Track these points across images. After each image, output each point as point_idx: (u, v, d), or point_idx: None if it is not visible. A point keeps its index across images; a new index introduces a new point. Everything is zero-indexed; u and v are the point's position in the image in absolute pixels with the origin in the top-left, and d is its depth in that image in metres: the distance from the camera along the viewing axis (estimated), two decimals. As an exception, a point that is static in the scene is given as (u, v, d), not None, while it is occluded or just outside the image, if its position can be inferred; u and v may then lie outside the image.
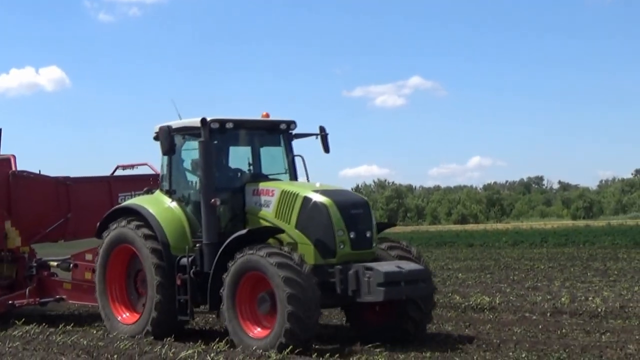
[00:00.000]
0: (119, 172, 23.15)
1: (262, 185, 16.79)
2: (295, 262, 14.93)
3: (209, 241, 16.38)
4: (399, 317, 16.25)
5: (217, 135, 16.82)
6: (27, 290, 20.51)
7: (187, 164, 17.75)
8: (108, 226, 18.03)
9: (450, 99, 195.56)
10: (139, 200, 18.07)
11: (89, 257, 20.34)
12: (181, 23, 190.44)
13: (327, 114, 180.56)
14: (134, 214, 17.60)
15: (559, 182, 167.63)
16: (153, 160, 22.34)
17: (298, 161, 17.98)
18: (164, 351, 15.19)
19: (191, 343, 15.71)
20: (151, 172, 22.51)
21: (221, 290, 15.71)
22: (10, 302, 20.38)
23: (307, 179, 17.68)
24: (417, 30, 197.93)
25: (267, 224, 16.38)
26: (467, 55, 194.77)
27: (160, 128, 16.76)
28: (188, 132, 17.13)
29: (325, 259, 15.64)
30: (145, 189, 18.75)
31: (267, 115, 17.78)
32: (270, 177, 17.57)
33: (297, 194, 16.03)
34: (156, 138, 17.92)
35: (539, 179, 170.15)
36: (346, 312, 17.20)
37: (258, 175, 17.50)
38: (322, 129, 17.98)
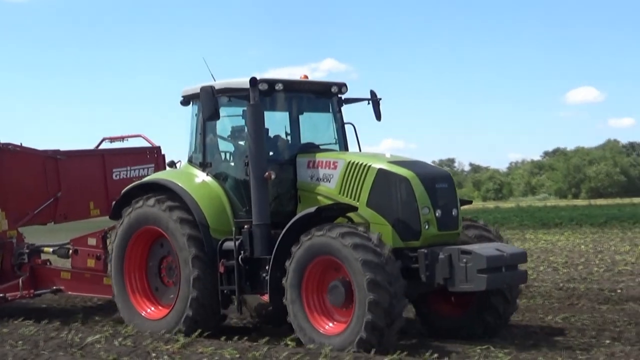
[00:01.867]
0: (105, 146, 19.88)
1: (320, 157, 14.02)
2: (374, 243, 12.31)
3: (261, 222, 13.60)
4: (480, 308, 13.73)
5: (263, 98, 13.95)
6: (21, 281, 17.32)
7: (224, 132, 14.82)
8: (130, 204, 14.99)
9: (362, 82, 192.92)
10: (167, 175, 15.15)
11: (92, 241, 17.34)
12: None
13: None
14: (164, 190, 14.65)
15: (470, 164, 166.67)
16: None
17: (348, 130, 15.27)
18: (70, 336, 14.02)
19: (98, 327, 15.14)
20: (146, 144, 19.50)
21: (284, 280, 12.95)
22: (1, 295, 17.18)
23: (360, 150, 14.92)
24: (332, 12, 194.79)
25: (327, 201, 13.63)
26: (380, 38, 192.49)
27: (202, 89, 13.82)
28: (233, 93, 14.22)
29: (407, 241, 13.02)
30: (169, 162, 15.74)
31: (307, 78, 14.98)
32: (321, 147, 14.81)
33: (369, 166, 13.31)
34: (185, 102, 15.07)
35: (450, 161, 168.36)
36: (415, 304, 14.49)
37: (309, 146, 14.69)
38: (373, 93, 15.22)
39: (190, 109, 15.16)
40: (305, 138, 14.89)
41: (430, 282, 12.74)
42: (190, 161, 15.08)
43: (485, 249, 12.60)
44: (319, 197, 13.80)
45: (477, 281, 12.29)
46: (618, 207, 68.16)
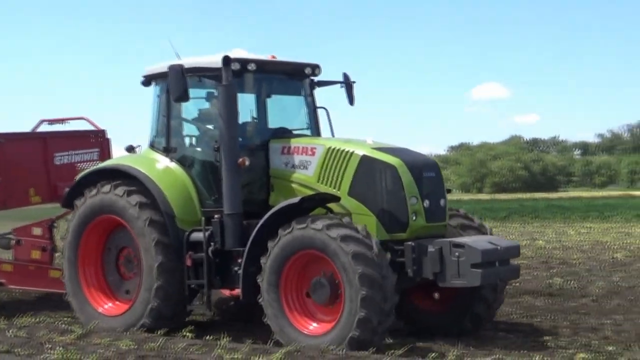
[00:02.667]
0: (44, 129, 18.35)
1: (297, 142, 12.95)
2: (363, 234, 11.33)
3: (233, 211, 12.51)
4: (464, 306, 12.84)
5: (233, 79, 12.82)
6: None
7: (190, 115, 13.65)
8: (83, 192, 13.71)
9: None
10: (127, 160, 13.89)
11: (37, 231, 16.09)
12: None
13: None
14: (122, 176, 13.42)
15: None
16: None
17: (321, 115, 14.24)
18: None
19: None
20: (90, 127, 18.12)
21: (259, 279, 11.89)
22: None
23: (333, 136, 13.89)
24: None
25: (305, 190, 12.57)
26: (295, 30, 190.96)
27: (171, 67, 12.62)
28: (203, 73, 13.04)
29: (392, 233, 12.04)
30: (127, 147, 14.49)
31: (275, 58, 13.89)
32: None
33: (352, 153, 12.29)
34: (146, 82, 13.88)
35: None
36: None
37: (282, 130, 13.61)
38: (346, 76, 14.20)
39: (152, 90, 13.95)
40: (275, 122, 13.80)
41: (418, 277, 11.80)
42: (152, 146, 13.89)
43: (479, 242, 11.71)
44: (295, 186, 12.76)
45: (471, 276, 11.38)
46: (519, 202, 68.62)
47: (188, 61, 13.01)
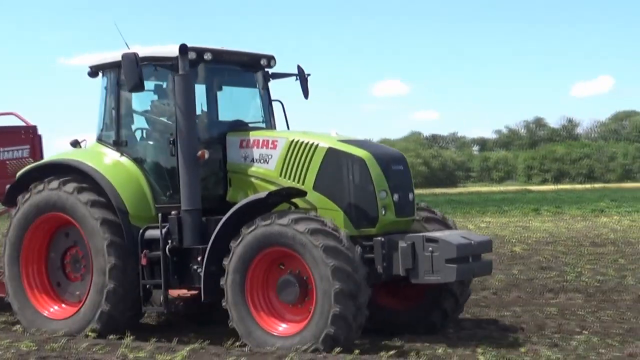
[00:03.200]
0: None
1: (256, 135, 12.36)
2: (331, 227, 10.85)
3: (192, 207, 11.91)
4: (432, 302, 12.41)
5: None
6: None
7: (142, 106, 12.96)
8: (29, 189, 12.92)
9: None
10: (74, 155, 13.10)
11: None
12: None
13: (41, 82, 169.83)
14: (70, 172, 12.65)
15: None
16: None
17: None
18: None
19: None
20: (20, 123, 17.18)
21: (222, 281, 11.32)
22: None
23: (288, 129, 13.35)
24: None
25: (266, 184, 12.02)
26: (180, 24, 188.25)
27: (125, 56, 11.90)
28: (158, 62, 12.33)
29: (361, 228, 11.51)
30: (71, 141, 13.69)
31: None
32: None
33: (317, 145, 11.76)
34: (93, 73, 13.16)
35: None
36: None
37: (238, 123, 13.01)
38: (300, 69, 13.67)
39: (100, 81, 13.21)
40: (227, 115, 13.17)
41: (388, 274, 11.28)
42: (100, 140, 13.15)
43: (452, 236, 11.28)
44: (255, 180, 12.17)
45: (446, 272, 10.93)
46: (419, 197, 68.19)
47: (142, 50, 12.30)
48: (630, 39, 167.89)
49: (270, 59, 13.21)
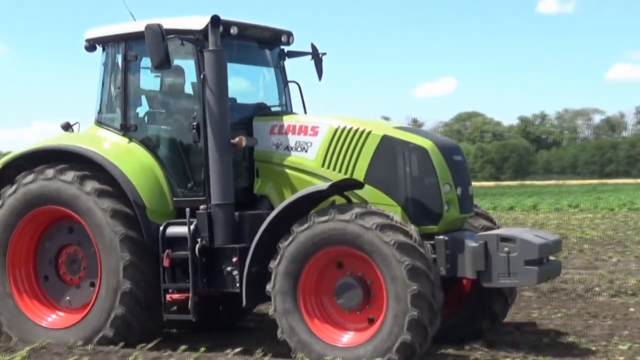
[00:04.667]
0: None
1: (291, 120, 10.76)
2: (400, 223, 9.43)
3: (225, 201, 10.23)
4: (481, 305, 11.05)
5: None
6: None
7: (151, 85, 11.18)
8: (15, 180, 11.03)
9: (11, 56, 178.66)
10: (72, 140, 11.21)
11: None
12: None
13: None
14: (66, 159, 10.82)
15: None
16: None
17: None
18: None
19: None
20: None
21: (269, 287, 9.75)
22: None
23: (305, 113, 11.79)
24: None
25: (305, 176, 10.47)
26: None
27: (149, 28, 10.14)
28: (182, 35, 10.54)
29: (422, 225, 9.97)
30: (62, 124, 11.79)
31: None
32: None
33: (369, 132, 10.26)
34: (90, 47, 11.34)
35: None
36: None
37: (262, 107, 11.38)
38: (315, 48, 12.11)
39: (101, 57, 11.37)
40: (249, 98, 11.58)
41: (452, 276, 9.86)
42: (99, 122, 11.34)
43: (527, 235, 9.92)
44: (290, 171, 10.57)
45: (526, 275, 9.55)
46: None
47: (165, 21, 10.51)
48: (472, 41, 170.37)
49: (289, 35, 11.63)
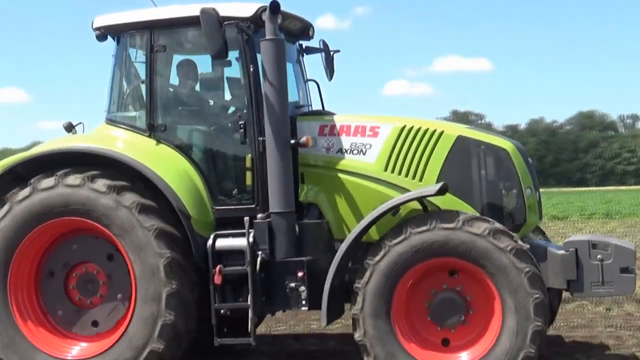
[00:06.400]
0: None
1: (344, 120, 9.50)
2: (503, 227, 8.49)
3: (286, 209, 8.91)
4: None
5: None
6: None
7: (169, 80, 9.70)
8: (29, 183, 9.23)
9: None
10: (95, 142, 9.49)
11: None
12: None
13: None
14: (96, 163, 9.18)
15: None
16: None
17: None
18: None
19: None
20: None
21: (356, 309, 8.57)
22: None
23: None
24: None
25: (364, 182, 9.31)
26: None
27: (205, 12, 8.73)
28: (237, 22, 9.10)
29: None
30: (65, 125, 10.03)
31: None
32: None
33: (441, 133, 9.23)
34: (102, 36, 9.74)
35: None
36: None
37: (298, 106, 10.17)
38: (326, 45, 10.95)
39: (115, 47, 9.79)
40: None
41: None
42: (112, 121, 9.72)
43: (617, 241, 9.17)
44: (345, 176, 9.33)
45: (622, 283, 8.76)
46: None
47: (218, 6, 9.07)
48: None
49: (313, 29, 10.46)
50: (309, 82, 10.69)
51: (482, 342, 8.47)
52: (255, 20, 9.08)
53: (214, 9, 8.75)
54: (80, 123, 9.98)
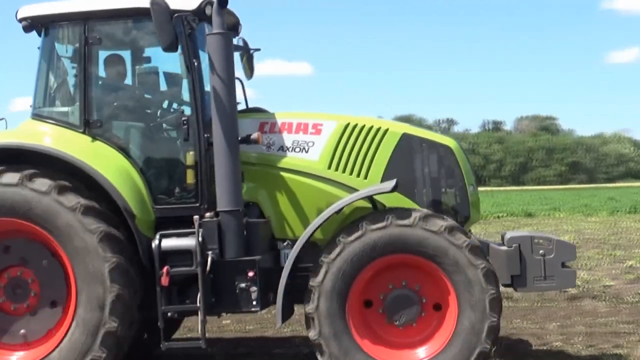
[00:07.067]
0: None
1: (285, 118, 9.28)
2: (458, 224, 8.55)
3: (234, 207, 8.61)
4: None
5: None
6: None
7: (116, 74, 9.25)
8: None
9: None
10: (15, 137, 8.90)
11: None
12: None
13: None
14: (33, 160, 8.61)
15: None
16: None
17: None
18: None
19: None
20: None
21: (311, 307, 8.42)
22: None
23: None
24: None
25: (306, 180, 9.13)
26: None
27: (156, 3, 8.32)
28: (185, 15, 8.73)
29: None
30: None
31: None
32: None
33: (386, 130, 9.16)
34: (29, 27, 9.20)
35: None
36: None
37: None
38: (246, 43, 10.67)
39: (42, 40, 9.24)
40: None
41: None
42: (40, 117, 9.15)
43: (556, 236, 9.31)
44: (287, 174, 9.11)
45: (564, 277, 8.89)
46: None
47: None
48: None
49: (240, 25, 10.21)
50: None
51: (438, 338, 8.44)
52: (199, 14, 8.75)
53: (164, 1, 8.35)
54: (2, 119, 9.31)
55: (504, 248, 8.88)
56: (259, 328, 12.32)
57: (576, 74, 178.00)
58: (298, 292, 8.59)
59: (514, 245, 8.86)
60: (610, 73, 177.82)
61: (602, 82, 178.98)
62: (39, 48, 9.19)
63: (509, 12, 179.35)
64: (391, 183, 8.55)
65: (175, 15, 8.50)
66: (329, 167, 9.06)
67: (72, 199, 8.31)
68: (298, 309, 9.13)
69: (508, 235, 9.10)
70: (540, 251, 8.87)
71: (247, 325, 12.52)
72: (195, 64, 8.71)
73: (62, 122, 8.98)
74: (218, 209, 8.58)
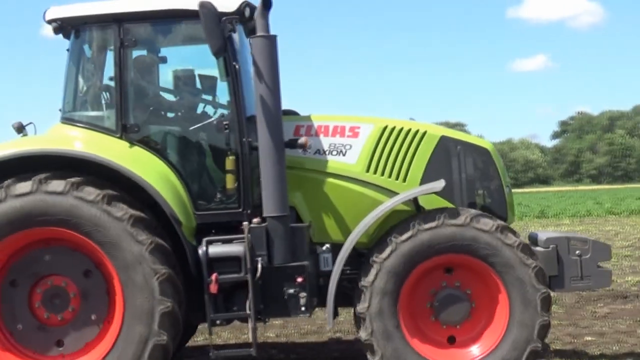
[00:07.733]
0: None
1: (321, 120, 9.09)
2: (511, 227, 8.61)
3: (282, 213, 8.43)
4: None
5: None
6: None
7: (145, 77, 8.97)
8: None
9: None
10: (58, 143, 8.51)
11: None
12: None
13: None
14: (70, 166, 8.26)
15: None
16: None
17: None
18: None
19: None
20: None
21: (362, 307, 8.33)
22: None
23: None
24: None
25: (345, 183, 9.00)
26: None
27: (205, 6, 8.07)
28: (232, 18, 8.48)
29: None
30: (15, 125, 8.95)
31: None
32: None
33: (424, 133, 9.07)
34: (58, 29, 8.79)
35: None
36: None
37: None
38: None
39: (72, 42, 8.91)
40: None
41: None
42: (71, 120, 8.79)
43: (591, 237, 9.37)
44: (324, 177, 8.95)
45: (600, 277, 8.96)
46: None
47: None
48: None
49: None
50: None
51: (488, 337, 8.46)
52: (239, 16, 8.55)
53: (211, 3, 8.12)
54: (30, 123, 8.93)
55: (541, 249, 8.90)
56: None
57: (484, 81, 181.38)
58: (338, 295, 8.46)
59: (551, 246, 8.90)
60: (516, 80, 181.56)
61: (509, 89, 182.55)
62: (68, 50, 8.84)
63: (418, 17, 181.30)
64: (441, 182, 8.51)
65: (223, 18, 8.25)
66: (367, 170, 8.95)
67: (121, 209, 7.99)
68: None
69: (543, 236, 9.12)
70: (577, 252, 8.92)
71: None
72: (237, 66, 8.46)
73: (96, 126, 8.66)
74: (265, 215, 8.38)
